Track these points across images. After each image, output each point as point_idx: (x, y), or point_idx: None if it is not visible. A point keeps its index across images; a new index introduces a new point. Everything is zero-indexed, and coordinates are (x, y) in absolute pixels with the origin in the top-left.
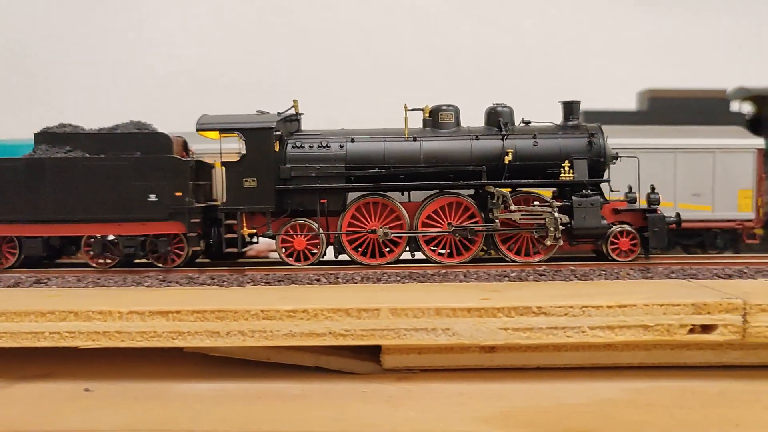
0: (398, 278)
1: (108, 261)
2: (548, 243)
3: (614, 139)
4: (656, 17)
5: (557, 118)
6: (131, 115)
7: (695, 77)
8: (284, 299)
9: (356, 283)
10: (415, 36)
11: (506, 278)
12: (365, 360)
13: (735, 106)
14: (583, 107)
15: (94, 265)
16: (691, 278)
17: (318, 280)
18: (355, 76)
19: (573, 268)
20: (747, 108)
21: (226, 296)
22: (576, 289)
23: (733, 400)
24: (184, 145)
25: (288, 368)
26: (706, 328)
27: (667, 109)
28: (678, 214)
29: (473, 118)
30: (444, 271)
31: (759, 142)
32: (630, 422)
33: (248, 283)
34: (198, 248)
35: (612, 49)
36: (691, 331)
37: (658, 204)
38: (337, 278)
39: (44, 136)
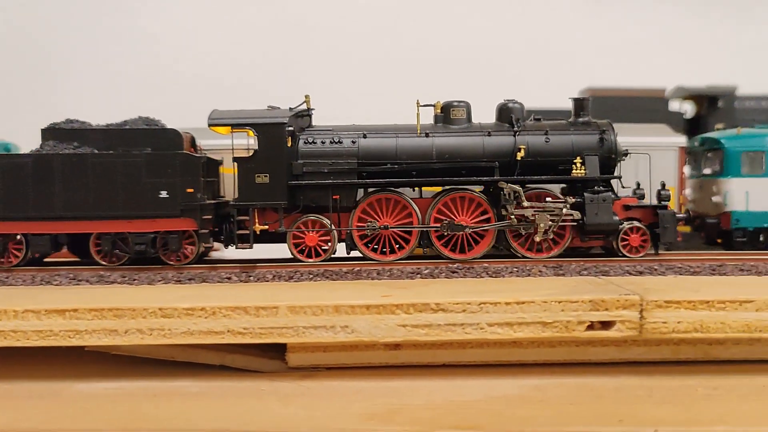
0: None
1: (112, 259)
2: (537, 239)
3: None
4: (605, 16)
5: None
6: (134, 112)
7: (644, 76)
8: (184, 297)
9: (267, 281)
10: (367, 36)
11: (418, 275)
12: (271, 358)
13: (675, 105)
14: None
15: (104, 263)
16: (602, 275)
17: (229, 278)
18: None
19: (486, 265)
20: (687, 107)
21: (125, 294)
22: (479, 285)
23: (627, 396)
24: (192, 141)
25: (194, 367)
26: (605, 325)
27: (606, 107)
28: (688, 211)
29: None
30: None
31: (681, 140)
32: (516, 418)
33: (159, 281)
34: (209, 245)
35: (560, 47)
36: (591, 327)
37: (669, 200)
38: (249, 276)
39: (51, 132)
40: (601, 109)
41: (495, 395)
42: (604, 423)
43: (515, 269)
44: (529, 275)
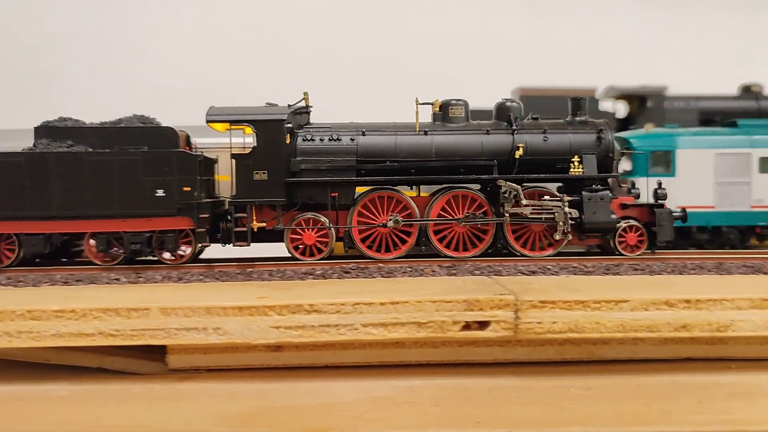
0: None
1: (107, 258)
2: (557, 237)
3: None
4: (542, 17)
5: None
6: (119, 111)
7: (587, 76)
8: (55, 299)
9: (156, 282)
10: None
11: (310, 276)
12: (153, 360)
13: (608, 105)
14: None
15: (99, 262)
16: (495, 275)
17: (117, 280)
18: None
19: (381, 264)
20: (620, 107)
21: None
22: (363, 286)
23: (497, 397)
24: (187, 140)
25: (72, 370)
26: (483, 325)
27: (537, 107)
28: (684, 209)
29: (354, 115)
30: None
31: None
32: (374, 420)
33: (46, 282)
34: (206, 244)
35: (496, 48)
36: (468, 327)
37: (665, 199)
38: (139, 277)
39: (45, 131)
40: (532, 109)
41: (364, 397)
42: (460, 425)
43: (409, 269)
44: (421, 275)
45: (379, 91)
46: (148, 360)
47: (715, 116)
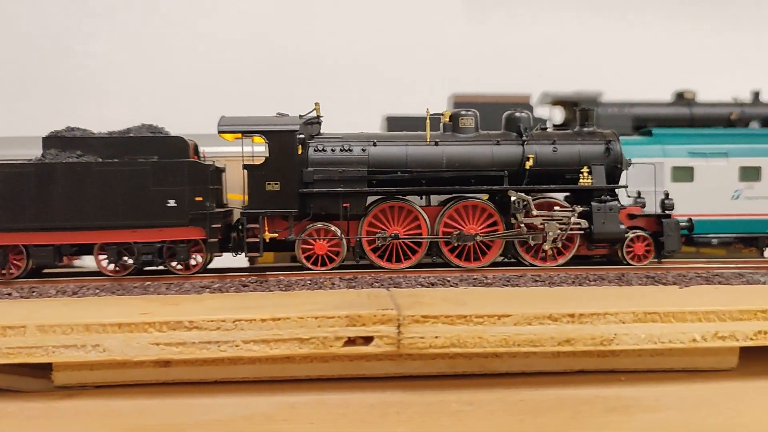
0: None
1: (117, 269)
2: (545, 248)
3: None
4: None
5: (375, 127)
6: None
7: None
8: None
9: (49, 296)
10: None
11: (207, 290)
12: (39, 377)
13: (544, 111)
14: (390, 113)
15: (109, 273)
16: (395, 287)
17: (9, 294)
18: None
19: (282, 277)
20: (557, 113)
21: None
22: (249, 300)
23: (376, 413)
24: (195, 149)
25: None
26: (367, 340)
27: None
28: (690, 219)
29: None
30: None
31: None
32: None
33: None
34: (218, 254)
35: (432, 55)
36: (352, 342)
37: (673, 209)
38: (32, 291)
39: (53, 141)
40: None
41: (243, 414)
42: None
43: (309, 281)
44: (320, 288)
45: (314, 98)
46: (34, 377)
47: (648, 122)
